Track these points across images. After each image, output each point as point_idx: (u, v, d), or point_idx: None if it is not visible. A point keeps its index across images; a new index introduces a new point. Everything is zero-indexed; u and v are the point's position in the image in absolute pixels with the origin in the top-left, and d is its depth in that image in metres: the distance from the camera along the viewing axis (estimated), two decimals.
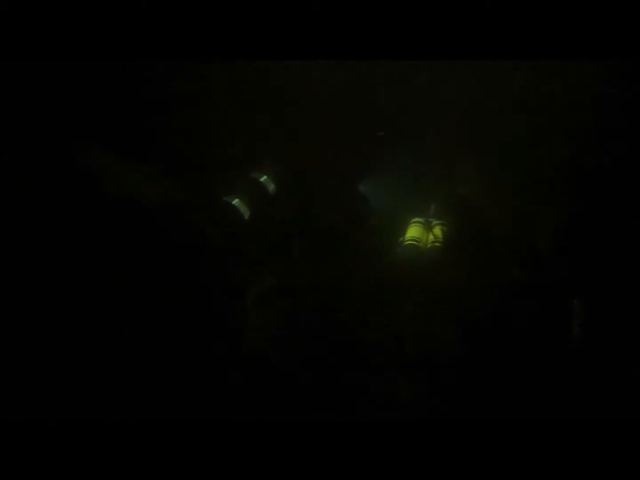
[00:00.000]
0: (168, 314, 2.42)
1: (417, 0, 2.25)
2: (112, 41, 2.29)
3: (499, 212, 2.87)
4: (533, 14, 2.25)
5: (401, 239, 3.08)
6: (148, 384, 2.26)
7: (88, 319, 2.38)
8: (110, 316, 2.39)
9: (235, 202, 2.90)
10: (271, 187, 3.09)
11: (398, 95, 3.05)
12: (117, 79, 2.69)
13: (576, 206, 2.75)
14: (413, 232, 3.10)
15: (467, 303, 2.54)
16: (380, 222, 3.08)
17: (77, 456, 1.99)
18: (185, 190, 2.78)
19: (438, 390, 2.33)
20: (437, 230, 3.09)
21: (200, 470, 2.01)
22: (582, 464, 1.98)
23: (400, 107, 3.09)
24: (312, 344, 2.41)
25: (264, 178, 3.07)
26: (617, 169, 2.71)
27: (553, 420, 2.10)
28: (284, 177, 3.11)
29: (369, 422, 2.17)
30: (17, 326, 2.30)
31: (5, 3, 2.20)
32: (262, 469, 2.02)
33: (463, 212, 2.96)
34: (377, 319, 2.52)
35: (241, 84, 2.95)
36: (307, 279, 2.62)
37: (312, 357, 2.37)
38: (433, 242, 3.07)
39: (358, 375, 2.34)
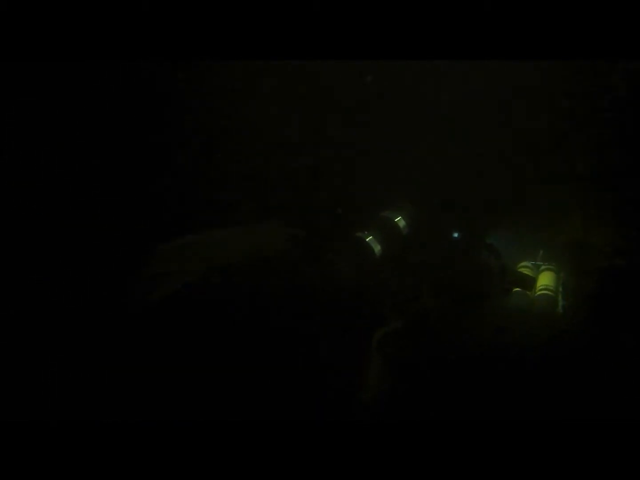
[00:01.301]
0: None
1: (417, 0, 2.25)
2: (112, 41, 2.29)
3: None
4: (533, 14, 2.25)
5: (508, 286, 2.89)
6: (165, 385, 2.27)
7: (88, 319, 2.38)
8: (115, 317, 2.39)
9: (369, 239, 2.87)
10: (405, 229, 3.02)
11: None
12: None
13: None
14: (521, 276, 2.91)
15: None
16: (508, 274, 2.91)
17: (77, 456, 1.99)
18: (320, 225, 2.83)
19: None
20: (547, 276, 2.89)
21: (200, 470, 2.01)
22: (582, 464, 1.98)
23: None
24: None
25: (398, 219, 3.01)
26: None
27: (553, 421, 2.10)
28: (418, 221, 3.04)
29: (368, 422, 2.17)
30: (17, 326, 2.30)
31: (5, 3, 2.20)
32: (262, 469, 2.02)
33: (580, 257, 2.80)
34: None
35: None
36: (433, 325, 2.59)
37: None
38: (542, 289, 2.85)
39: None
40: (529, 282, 2.89)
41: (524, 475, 1.99)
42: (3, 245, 2.39)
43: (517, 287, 2.88)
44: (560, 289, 2.85)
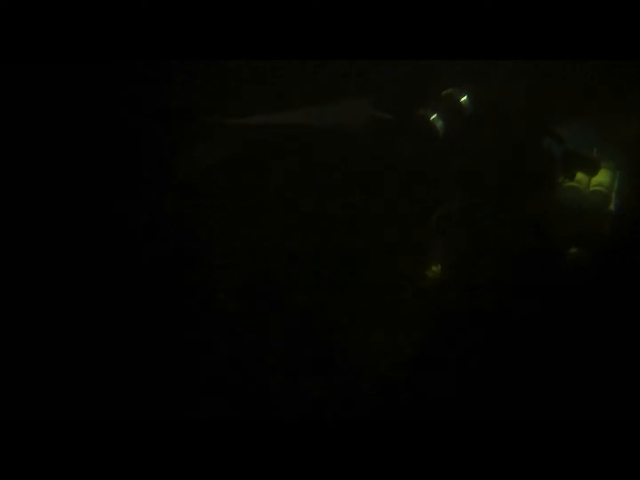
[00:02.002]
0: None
1: (417, 0, 2.26)
2: (111, 41, 2.29)
3: None
4: (533, 14, 2.25)
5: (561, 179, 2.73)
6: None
7: (88, 319, 2.38)
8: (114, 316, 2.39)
9: (433, 117, 2.74)
10: (469, 108, 2.85)
11: None
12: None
13: None
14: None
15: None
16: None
17: (77, 456, 2.00)
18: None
19: None
20: (602, 173, 2.72)
21: (199, 470, 2.02)
22: (582, 464, 1.98)
23: None
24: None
25: (463, 98, 2.82)
26: None
27: (553, 420, 2.10)
28: (484, 102, 2.87)
29: (368, 421, 2.17)
30: (17, 326, 2.30)
31: (5, 3, 2.20)
32: (262, 468, 2.02)
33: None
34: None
35: None
36: (489, 207, 2.57)
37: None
38: (596, 185, 2.70)
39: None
40: (594, 164, 2.75)
41: (524, 475, 2.00)
42: (3, 245, 2.39)
43: (582, 170, 2.75)
44: (616, 187, 2.75)
